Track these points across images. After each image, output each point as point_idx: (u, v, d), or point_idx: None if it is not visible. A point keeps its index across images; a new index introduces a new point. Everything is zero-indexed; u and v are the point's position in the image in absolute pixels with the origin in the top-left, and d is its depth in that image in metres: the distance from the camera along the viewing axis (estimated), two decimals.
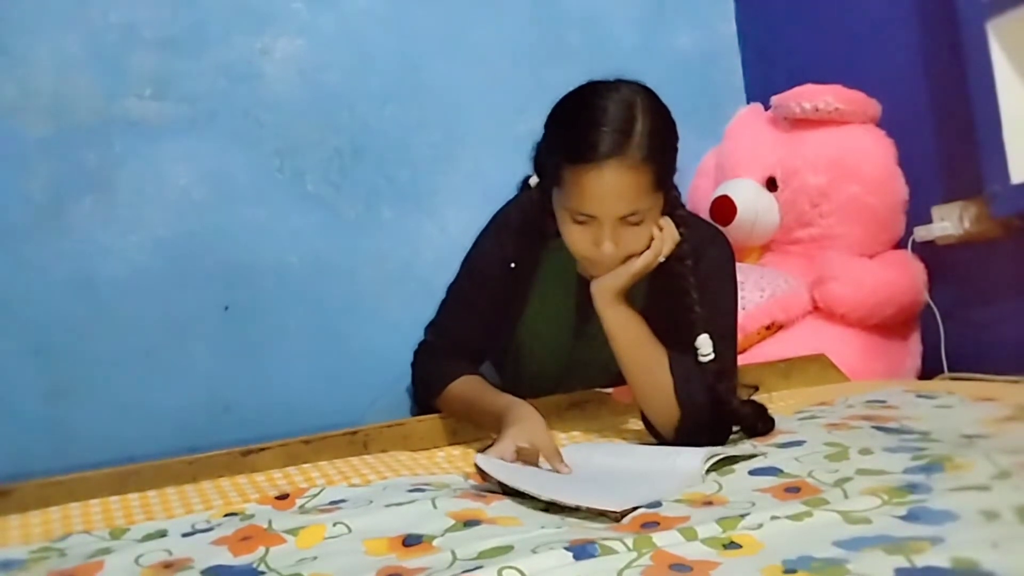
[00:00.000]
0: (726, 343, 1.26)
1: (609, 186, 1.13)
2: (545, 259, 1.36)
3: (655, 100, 1.24)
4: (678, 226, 1.23)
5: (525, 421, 1.16)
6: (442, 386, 1.37)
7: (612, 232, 1.16)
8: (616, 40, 2.53)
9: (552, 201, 1.23)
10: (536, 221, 1.32)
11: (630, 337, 1.24)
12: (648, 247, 1.20)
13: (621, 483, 0.99)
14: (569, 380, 1.50)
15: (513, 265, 1.36)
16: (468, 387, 1.34)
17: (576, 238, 1.19)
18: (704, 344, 1.20)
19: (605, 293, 1.22)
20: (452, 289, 1.45)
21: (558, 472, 1.08)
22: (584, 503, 0.89)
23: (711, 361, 1.21)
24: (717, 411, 1.20)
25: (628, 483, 0.99)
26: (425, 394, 1.43)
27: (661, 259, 1.21)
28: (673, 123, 1.23)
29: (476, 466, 1.02)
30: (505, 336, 1.43)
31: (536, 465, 1.10)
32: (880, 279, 1.95)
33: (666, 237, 1.21)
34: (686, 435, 1.19)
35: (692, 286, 1.22)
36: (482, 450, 1.11)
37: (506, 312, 1.40)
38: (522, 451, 1.09)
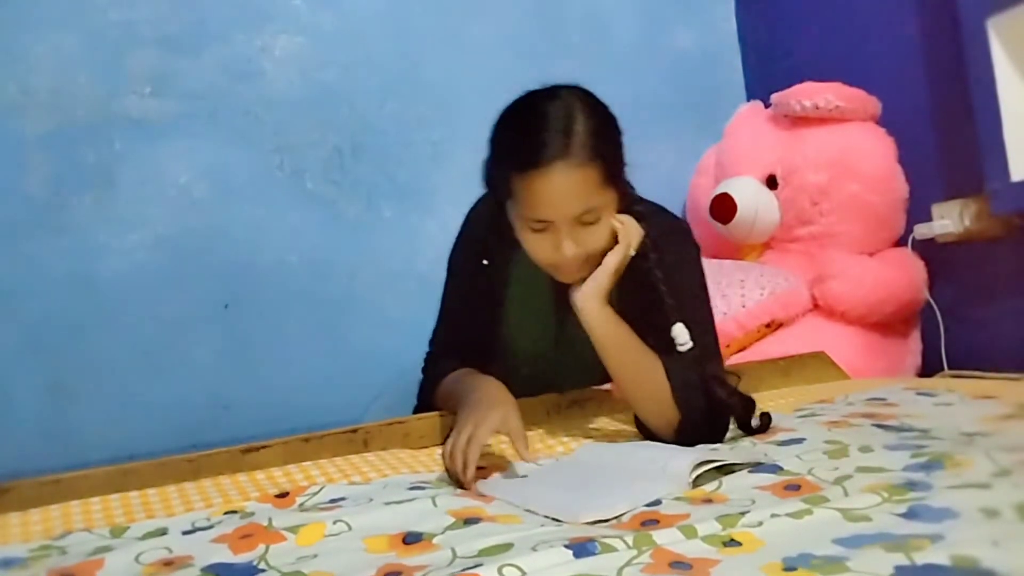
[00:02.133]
0: (703, 328, 1.25)
1: (558, 188, 1.12)
2: (517, 259, 1.31)
3: (594, 100, 1.22)
4: (639, 220, 1.23)
5: (493, 404, 1.11)
6: (433, 387, 1.37)
7: (570, 234, 1.15)
8: (616, 38, 2.53)
9: (508, 214, 1.22)
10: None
11: (621, 344, 1.21)
12: (610, 245, 1.19)
13: (608, 486, 0.98)
14: (556, 383, 1.46)
15: (486, 263, 1.34)
16: (451, 378, 1.33)
17: (536, 247, 1.19)
18: (680, 333, 1.20)
19: (589, 300, 1.19)
20: (442, 296, 1.46)
21: (523, 460, 1.06)
22: (552, 514, 0.89)
23: (691, 350, 1.20)
24: (713, 408, 1.19)
25: (615, 486, 0.97)
26: (423, 402, 1.43)
27: (631, 253, 1.20)
28: (614, 119, 1.22)
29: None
30: (492, 337, 1.41)
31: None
32: (880, 277, 1.95)
33: (631, 231, 1.19)
34: (686, 436, 1.18)
35: (659, 279, 1.22)
36: (445, 438, 1.10)
37: (490, 312, 1.39)
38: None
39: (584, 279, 1.21)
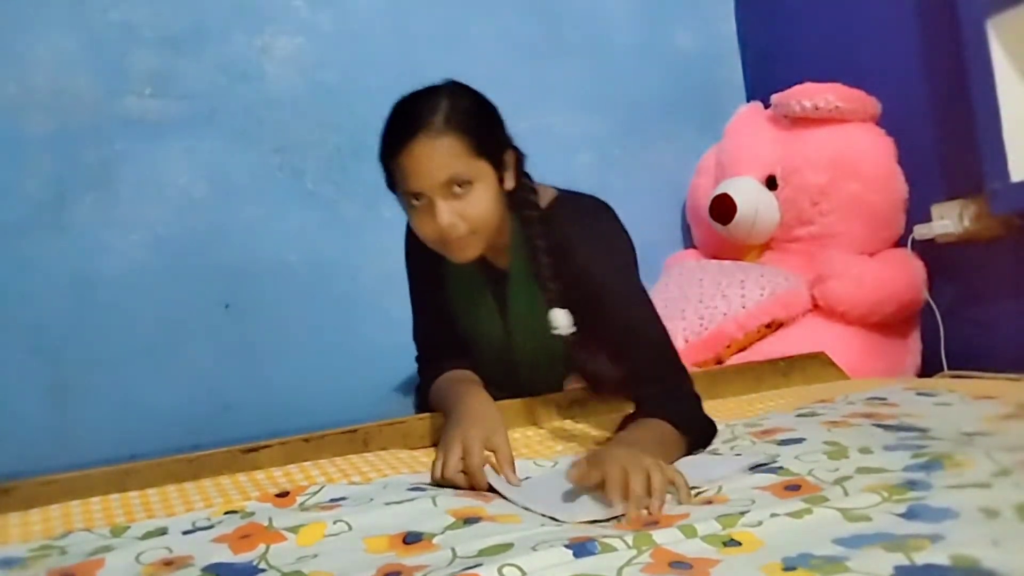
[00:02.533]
0: (639, 308, 1.27)
1: (422, 157, 1.18)
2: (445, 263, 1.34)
3: (464, 88, 1.30)
4: (526, 201, 1.30)
5: (475, 421, 1.11)
6: (425, 390, 1.40)
7: (444, 205, 1.19)
8: (616, 38, 2.53)
9: (402, 207, 1.27)
10: None
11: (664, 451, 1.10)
12: (493, 217, 1.23)
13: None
14: (523, 371, 1.46)
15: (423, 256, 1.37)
16: (438, 384, 1.35)
17: (421, 225, 1.23)
18: (558, 318, 1.23)
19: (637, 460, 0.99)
20: (410, 300, 1.50)
21: (508, 481, 1.04)
22: (550, 513, 0.89)
23: (573, 335, 1.22)
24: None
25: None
26: (418, 403, 1.47)
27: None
28: (485, 101, 1.29)
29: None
30: (456, 330, 1.45)
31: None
32: (880, 277, 1.95)
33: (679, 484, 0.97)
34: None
35: (541, 249, 1.27)
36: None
37: (445, 308, 1.44)
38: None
39: (488, 262, 1.29)
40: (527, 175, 1.34)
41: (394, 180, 1.25)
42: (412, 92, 1.29)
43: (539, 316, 1.27)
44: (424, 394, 1.41)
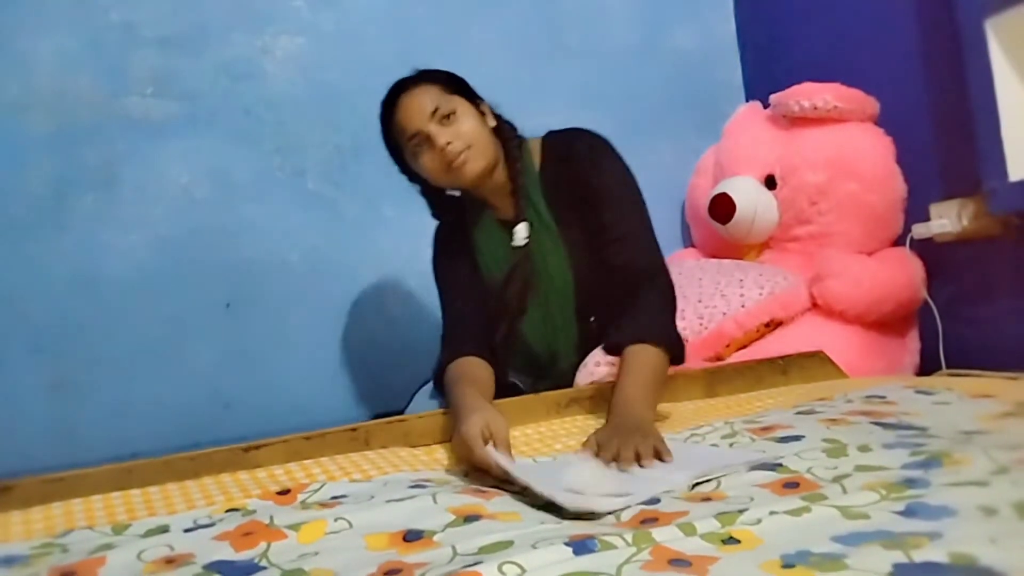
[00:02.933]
0: (630, 211, 1.50)
1: (408, 105, 1.45)
2: (475, 237, 1.60)
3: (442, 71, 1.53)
4: (505, 131, 1.53)
5: (474, 409, 1.18)
6: (440, 373, 1.47)
7: (437, 128, 1.43)
8: (616, 39, 2.53)
9: (411, 174, 1.55)
10: (455, 207, 1.62)
11: (653, 389, 1.33)
12: (481, 135, 1.46)
13: (608, 483, 0.99)
14: (553, 335, 1.59)
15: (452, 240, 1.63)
16: (449, 375, 1.42)
17: (426, 161, 1.46)
18: (519, 231, 1.50)
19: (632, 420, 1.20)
20: (440, 304, 1.63)
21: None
22: (550, 495, 0.91)
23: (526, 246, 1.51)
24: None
25: (614, 483, 0.99)
26: (435, 386, 1.54)
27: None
28: (458, 76, 1.54)
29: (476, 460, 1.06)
30: (483, 310, 1.57)
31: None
32: (879, 276, 1.95)
33: None
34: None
35: (521, 169, 1.52)
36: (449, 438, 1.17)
37: (474, 272, 1.60)
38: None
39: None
40: (502, 117, 1.56)
41: (398, 147, 1.50)
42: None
43: (548, 251, 1.52)
44: (439, 376, 1.48)
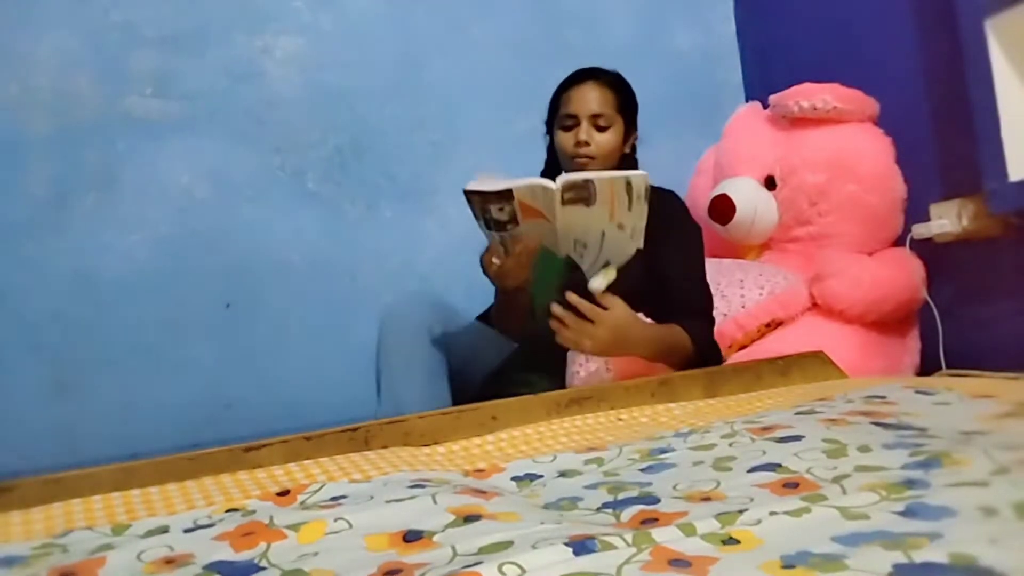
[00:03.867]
0: (691, 270, 1.75)
1: (587, 93, 1.73)
2: None
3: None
4: (632, 162, 1.81)
5: None
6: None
7: (587, 126, 1.71)
8: (615, 38, 2.53)
9: (551, 138, 1.79)
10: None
11: (656, 346, 1.58)
12: (616, 154, 1.74)
13: None
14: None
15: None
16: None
17: (563, 141, 1.73)
18: (596, 279, 1.58)
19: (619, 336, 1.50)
20: None
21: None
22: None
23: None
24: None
25: None
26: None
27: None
28: (633, 91, 1.81)
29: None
30: None
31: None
32: (879, 276, 1.95)
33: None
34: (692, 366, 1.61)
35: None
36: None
37: None
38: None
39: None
40: (635, 148, 1.84)
41: (555, 107, 1.77)
42: None
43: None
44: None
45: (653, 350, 1.58)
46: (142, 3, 2.06)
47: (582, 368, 1.59)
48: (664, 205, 1.71)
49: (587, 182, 1.38)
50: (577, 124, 1.71)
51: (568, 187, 1.38)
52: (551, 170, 1.78)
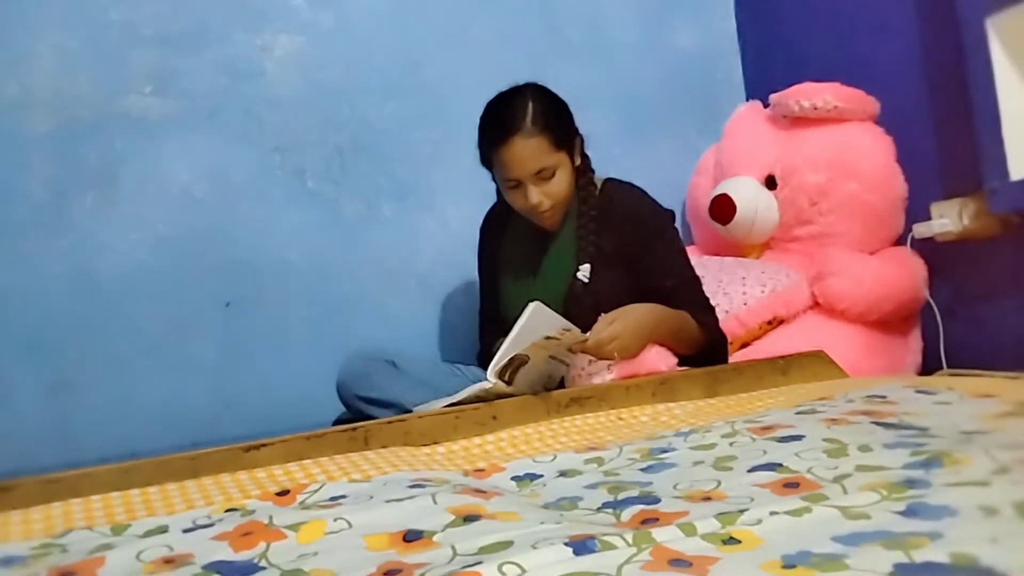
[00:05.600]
0: (676, 261, 1.71)
1: (518, 153, 1.59)
2: (511, 225, 1.80)
3: (545, 90, 1.68)
4: (587, 183, 1.70)
5: None
6: (484, 356, 1.78)
7: (534, 187, 1.62)
8: (616, 37, 2.53)
9: (496, 182, 1.71)
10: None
11: (665, 330, 1.60)
12: (570, 192, 1.66)
13: None
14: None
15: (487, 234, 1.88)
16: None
17: (514, 200, 1.66)
18: (584, 270, 1.66)
19: (634, 344, 1.54)
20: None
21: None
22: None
23: (589, 283, 1.66)
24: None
25: None
26: (480, 363, 1.84)
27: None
28: (562, 101, 1.68)
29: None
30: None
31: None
32: (880, 275, 1.95)
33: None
34: (703, 357, 1.66)
35: (587, 212, 1.68)
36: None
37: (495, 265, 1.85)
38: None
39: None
40: (586, 154, 1.73)
41: (490, 162, 1.66)
42: (501, 94, 1.67)
43: (561, 270, 1.70)
44: (484, 355, 1.79)
45: (671, 328, 1.61)
46: (141, 2, 2.06)
47: (583, 372, 1.58)
48: (629, 220, 1.69)
49: (511, 359, 1.40)
50: (521, 185, 1.63)
51: (500, 372, 1.40)
52: (504, 201, 1.75)
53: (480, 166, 1.74)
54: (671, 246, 1.72)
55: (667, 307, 1.62)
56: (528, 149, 1.58)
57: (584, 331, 1.52)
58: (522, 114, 1.59)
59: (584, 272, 1.68)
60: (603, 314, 1.54)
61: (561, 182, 1.63)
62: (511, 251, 1.83)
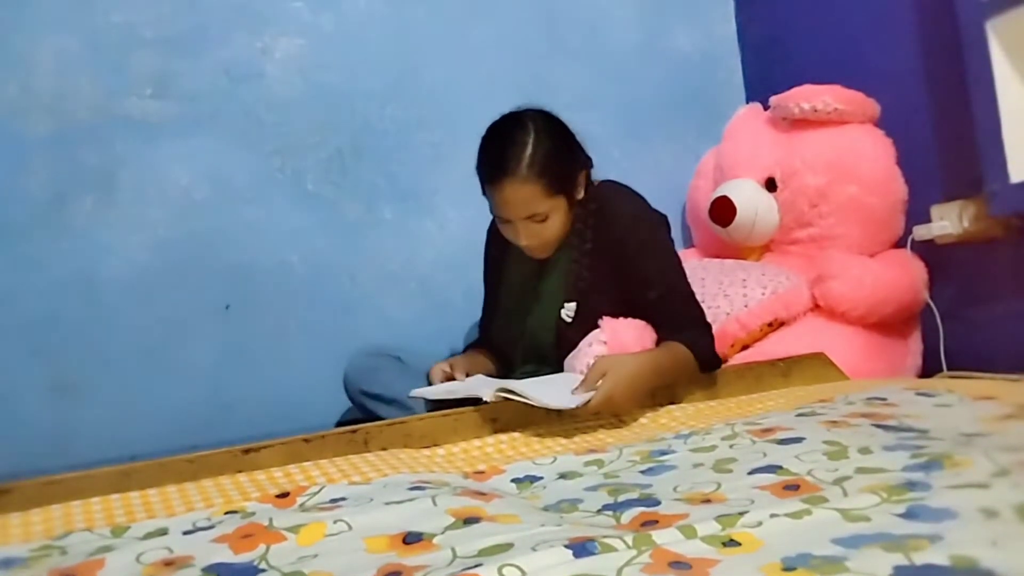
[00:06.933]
0: (671, 276, 1.61)
1: (509, 198, 1.50)
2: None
3: (548, 123, 1.56)
4: (583, 218, 1.60)
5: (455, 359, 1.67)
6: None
7: (524, 228, 1.54)
8: (616, 40, 2.53)
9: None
10: None
11: (665, 372, 1.48)
12: (563, 232, 1.58)
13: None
14: (525, 328, 1.73)
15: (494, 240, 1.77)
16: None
17: (505, 232, 1.59)
18: (568, 308, 1.62)
19: (630, 401, 1.41)
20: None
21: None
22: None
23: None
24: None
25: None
26: None
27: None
28: (563, 139, 1.56)
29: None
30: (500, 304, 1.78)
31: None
32: (880, 278, 1.95)
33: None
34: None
35: (582, 245, 1.61)
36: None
37: (498, 274, 1.78)
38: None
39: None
40: (590, 181, 1.63)
41: (485, 193, 1.56)
42: (508, 117, 1.56)
43: (554, 301, 1.64)
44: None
45: (666, 376, 1.48)
46: (142, 4, 2.06)
47: (587, 358, 1.58)
48: (620, 243, 1.59)
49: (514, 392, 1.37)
50: (512, 222, 1.54)
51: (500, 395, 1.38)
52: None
53: None
54: (659, 256, 1.61)
55: (657, 350, 1.52)
56: (520, 195, 1.49)
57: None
58: (518, 156, 1.48)
59: (568, 312, 1.62)
60: (595, 358, 1.43)
61: (553, 226, 1.54)
62: (513, 269, 1.74)
